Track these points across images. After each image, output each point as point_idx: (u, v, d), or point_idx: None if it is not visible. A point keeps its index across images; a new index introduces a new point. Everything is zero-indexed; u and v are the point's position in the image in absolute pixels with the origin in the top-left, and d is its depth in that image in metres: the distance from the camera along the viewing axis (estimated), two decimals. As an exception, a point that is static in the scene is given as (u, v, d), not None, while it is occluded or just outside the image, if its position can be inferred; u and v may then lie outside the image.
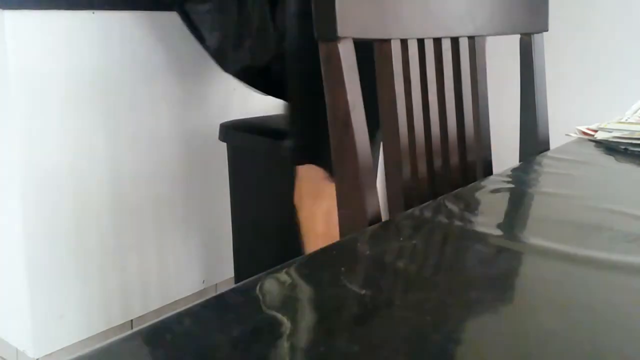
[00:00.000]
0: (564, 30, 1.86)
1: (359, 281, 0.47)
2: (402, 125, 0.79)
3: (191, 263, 1.79)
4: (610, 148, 0.93)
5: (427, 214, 0.63)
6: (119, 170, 1.56)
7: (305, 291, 0.46)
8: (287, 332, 0.39)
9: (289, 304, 0.44)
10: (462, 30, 0.87)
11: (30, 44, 1.37)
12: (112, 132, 1.54)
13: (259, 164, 1.57)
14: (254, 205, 1.61)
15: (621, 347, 0.38)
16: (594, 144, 0.96)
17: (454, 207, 0.65)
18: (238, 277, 1.72)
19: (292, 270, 0.48)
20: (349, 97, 0.69)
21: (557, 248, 0.54)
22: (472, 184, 0.77)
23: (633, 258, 0.51)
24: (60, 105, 1.43)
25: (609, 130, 0.96)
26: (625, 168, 0.86)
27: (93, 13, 1.46)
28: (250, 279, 0.46)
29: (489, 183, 0.76)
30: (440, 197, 0.69)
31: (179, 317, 0.40)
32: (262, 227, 1.58)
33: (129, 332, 0.38)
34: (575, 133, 1.00)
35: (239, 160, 1.62)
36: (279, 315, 0.42)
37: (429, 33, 0.82)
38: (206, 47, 1.43)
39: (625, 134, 0.94)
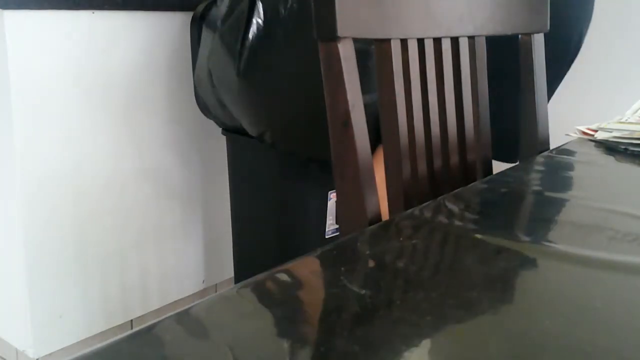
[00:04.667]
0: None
1: (359, 281, 0.47)
2: (402, 125, 0.79)
3: (191, 263, 1.79)
4: (610, 148, 0.93)
5: (427, 214, 0.63)
6: (119, 170, 1.56)
7: (305, 291, 0.46)
8: (287, 332, 0.39)
9: (289, 304, 0.44)
10: (462, 30, 0.87)
11: (30, 44, 1.37)
12: (112, 132, 1.54)
13: (259, 165, 1.56)
14: (254, 205, 1.61)
15: (621, 347, 0.38)
16: (594, 144, 0.96)
17: (454, 207, 0.65)
18: (238, 277, 1.72)
19: (292, 270, 0.48)
20: (349, 97, 0.69)
21: (557, 248, 0.54)
22: (472, 184, 0.77)
23: (633, 258, 0.51)
24: (60, 105, 1.43)
25: (609, 130, 0.96)
26: (625, 168, 0.86)
27: (93, 13, 1.46)
28: (250, 279, 0.46)
29: (489, 183, 0.76)
30: (440, 197, 0.68)
31: (179, 317, 0.40)
32: (262, 227, 1.58)
33: (129, 332, 0.38)
34: (575, 133, 1.00)
35: (240, 160, 1.61)
36: (279, 315, 0.42)
37: (429, 33, 0.82)
38: None
39: (625, 134, 0.94)
